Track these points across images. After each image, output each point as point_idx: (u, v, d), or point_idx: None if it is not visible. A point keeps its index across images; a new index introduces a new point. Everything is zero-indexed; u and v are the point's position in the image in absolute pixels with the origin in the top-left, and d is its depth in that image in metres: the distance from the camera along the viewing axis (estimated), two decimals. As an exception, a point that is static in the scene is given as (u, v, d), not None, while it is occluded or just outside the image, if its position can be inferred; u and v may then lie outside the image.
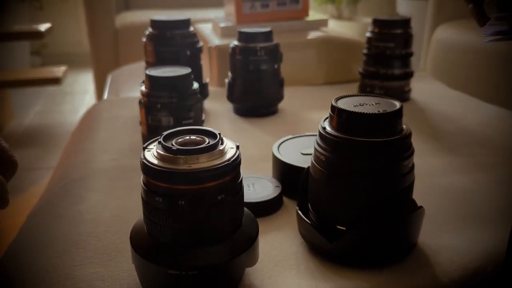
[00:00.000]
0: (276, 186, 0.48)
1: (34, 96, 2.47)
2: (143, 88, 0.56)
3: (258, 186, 0.48)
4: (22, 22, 2.50)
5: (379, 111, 0.36)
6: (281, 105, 0.79)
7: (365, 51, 0.80)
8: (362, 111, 0.35)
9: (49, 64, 2.78)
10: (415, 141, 0.38)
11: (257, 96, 0.74)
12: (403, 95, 0.80)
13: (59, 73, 1.89)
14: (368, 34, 0.79)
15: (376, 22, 0.78)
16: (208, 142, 0.33)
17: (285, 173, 0.50)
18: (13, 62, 2.32)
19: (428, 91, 0.88)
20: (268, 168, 0.54)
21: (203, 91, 0.77)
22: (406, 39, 0.77)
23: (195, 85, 0.57)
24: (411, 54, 0.79)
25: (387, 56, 0.77)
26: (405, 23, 0.77)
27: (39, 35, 1.78)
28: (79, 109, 2.31)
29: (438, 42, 1.39)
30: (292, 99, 0.82)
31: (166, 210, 0.32)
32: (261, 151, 0.61)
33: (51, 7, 2.86)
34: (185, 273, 0.32)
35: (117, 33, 1.80)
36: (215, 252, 0.33)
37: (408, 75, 0.79)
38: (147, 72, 0.55)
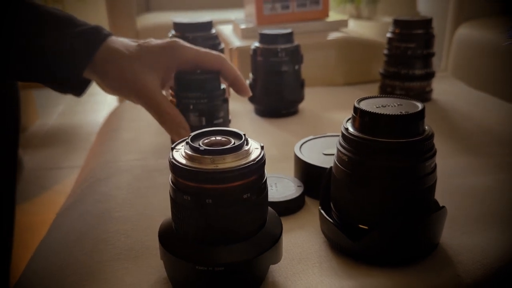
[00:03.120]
0: (298, 186, 0.49)
1: (58, 97, 2.52)
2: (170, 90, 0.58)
3: (280, 186, 0.49)
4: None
5: (401, 112, 0.36)
6: (302, 105, 0.80)
7: (385, 51, 0.80)
8: (385, 113, 0.36)
9: (72, 65, 2.82)
10: (436, 142, 0.38)
11: (278, 97, 0.75)
12: (424, 96, 0.80)
13: (82, 74, 1.93)
14: (388, 35, 0.79)
15: (397, 23, 0.78)
16: (234, 143, 0.34)
17: (307, 173, 0.50)
18: (37, 64, 2.37)
19: (449, 91, 0.88)
20: (289, 168, 0.55)
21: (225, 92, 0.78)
22: (428, 40, 0.77)
23: (223, 85, 0.58)
24: (432, 55, 0.79)
25: (408, 56, 0.77)
26: (427, 23, 0.77)
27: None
28: (101, 109, 2.36)
29: (459, 41, 1.38)
30: (312, 99, 0.82)
31: (194, 208, 0.33)
32: (282, 151, 0.62)
33: (72, 10, 2.91)
34: (212, 269, 0.33)
35: (138, 35, 1.83)
36: (241, 249, 0.34)
37: (429, 76, 0.79)
38: (177, 74, 0.57)
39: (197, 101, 0.56)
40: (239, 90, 0.57)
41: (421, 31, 0.76)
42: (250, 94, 0.58)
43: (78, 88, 0.55)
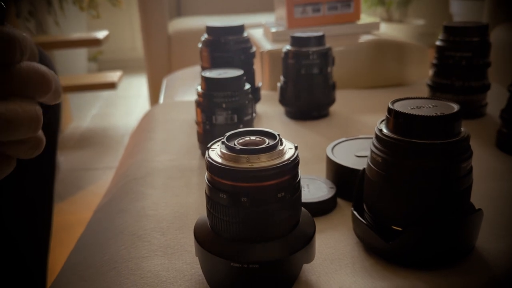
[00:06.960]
0: (331, 188, 0.49)
1: (91, 100, 2.59)
2: (199, 88, 0.60)
3: (313, 187, 0.50)
4: (80, 30, 2.63)
5: (436, 113, 0.36)
6: (333, 108, 0.80)
7: (435, 61, 0.74)
8: (420, 114, 0.36)
9: (105, 70, 2.91)
10: (473, 144, 0.38)
11: (309, 99, 0.75)
12: (480, 110, 0.74)
13: (115, 78, 1.98)
14: (438, 43, 0.74)
15: (448, 30, 0.72)
16: (268, 143, 0.35)
17: (339, 174, 0.51)
18: (71, 68, 2.45)
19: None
20: (321, 170, 0.55)
21: (256, 95, 0.79)
22: (484, 48, 0.72)
23: (247, 85, 0.61)
24: (489, 64, 0.73)
25: (463, 67, 0.71)
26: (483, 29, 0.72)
27: (97, 42, 1.87)
28: (133, 112, 2.41)
29: (494, 43, 1.35)
30: (344, 102, 0.82)
31: (229, 206, 0.34)
32: (314, 153, 0.62)
33: (107, 16, 2.99)
34: (247, 266, 0.33)
35: (170, 39, 1.87)
36: (275, 247, 0.34)
37: (486, 88, 0.74)
38: (206, 76, 0.58)
39: (229, 100, 0.58)
40: None
41: (477, 38, 0.71)
42: None
43: None
